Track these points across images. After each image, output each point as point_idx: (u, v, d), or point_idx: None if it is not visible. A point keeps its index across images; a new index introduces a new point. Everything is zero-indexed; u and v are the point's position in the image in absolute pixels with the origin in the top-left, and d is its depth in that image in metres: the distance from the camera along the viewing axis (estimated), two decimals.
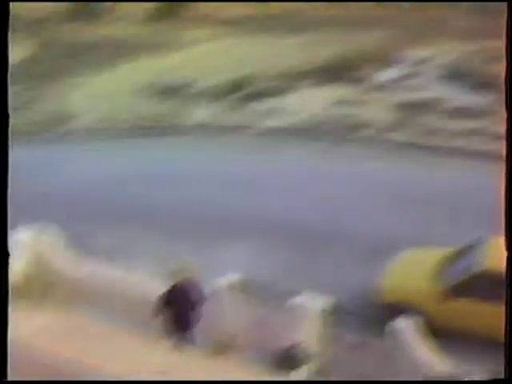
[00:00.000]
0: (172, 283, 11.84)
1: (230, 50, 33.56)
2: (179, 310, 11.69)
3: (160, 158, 22.93)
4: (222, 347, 12.50)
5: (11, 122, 6.60)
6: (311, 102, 25.70)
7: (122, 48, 37.97)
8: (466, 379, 10.55)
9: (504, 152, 2.37)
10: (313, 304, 11.82)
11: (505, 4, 3.61)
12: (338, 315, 11.36)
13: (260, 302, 12.29)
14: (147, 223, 17.92)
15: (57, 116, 28.75)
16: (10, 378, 3.08)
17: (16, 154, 25.85)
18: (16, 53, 40.08)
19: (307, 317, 11.75)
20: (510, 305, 2.30)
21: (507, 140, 2.41)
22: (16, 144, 27.74)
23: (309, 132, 23.12)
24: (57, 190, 20.49)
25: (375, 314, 12.44)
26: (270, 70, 27.88)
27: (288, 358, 11.60)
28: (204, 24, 40.29)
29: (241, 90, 28.50)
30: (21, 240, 14.32)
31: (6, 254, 2.64)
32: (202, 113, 27.10)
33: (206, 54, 33.77)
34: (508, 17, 2.64)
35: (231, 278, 12.60)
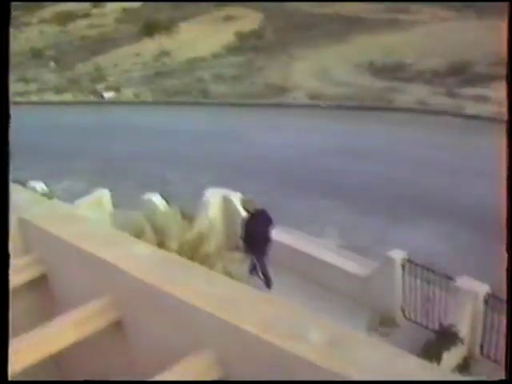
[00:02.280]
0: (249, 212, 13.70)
1: (451, 33, 33.10)
2: (255, 231, 13.41)
3: (367, 134, 23.46)
4: (388, 319, 13.09)
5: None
6: None
7: (345, 25, 38.66)
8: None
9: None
10: (475, 288, 11.96)
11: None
12: (497, 302, 11.45)
13: (426, 281, 12.62)
14: (340, 195, 18.62)
15: (275, 87, 30.09)
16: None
17: (225, 120, 27.49)
18: (245, 24, 42.13)
19: (467, 300, 11.94)
20: (510, 304, 2.70)
21: (508, 140, 2.77)
22: (227, 110, 29.40)
23: None
24: (260, 157, 21.84)
25: None
26: (490, 56, 27.31)
27: (444, 338, 11.89)
28: (427, 6, 39.88)
29: (457, 75, 28.29)
30: (210, 200, 15.64)
31: (7, 254, 3.02)
32: (415, 94, 27.23)
33: (427, 36, 33.56)
34: (508, 17, 2.98)
35: (403, 253, 12.96)
